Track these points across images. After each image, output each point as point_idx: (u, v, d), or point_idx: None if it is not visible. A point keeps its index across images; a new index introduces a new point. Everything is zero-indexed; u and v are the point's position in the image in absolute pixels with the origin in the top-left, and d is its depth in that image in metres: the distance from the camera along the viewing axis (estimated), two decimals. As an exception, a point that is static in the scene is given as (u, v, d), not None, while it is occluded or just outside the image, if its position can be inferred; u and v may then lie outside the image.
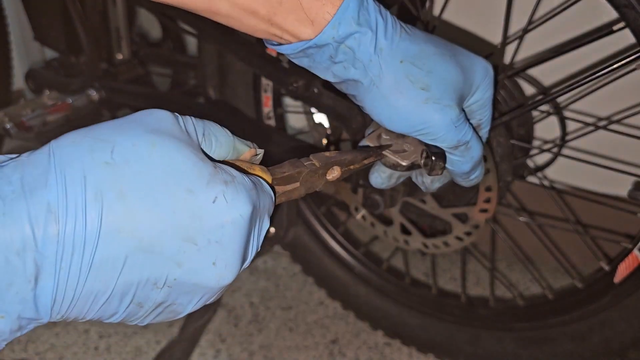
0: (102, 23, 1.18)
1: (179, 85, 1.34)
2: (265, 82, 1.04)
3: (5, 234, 0.34)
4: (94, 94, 1.16)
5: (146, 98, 1.14)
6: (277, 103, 1.07)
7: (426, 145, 0.59)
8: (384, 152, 0.61)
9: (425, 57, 0.56)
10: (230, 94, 1.06)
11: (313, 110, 1.01)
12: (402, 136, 0.61)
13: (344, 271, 1.10)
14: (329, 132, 1.00)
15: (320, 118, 1.02)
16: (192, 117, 0.44)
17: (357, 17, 0.53)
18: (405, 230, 0.95)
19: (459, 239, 0.89)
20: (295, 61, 0.58)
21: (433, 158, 0.58)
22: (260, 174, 0.47)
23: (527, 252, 1.11)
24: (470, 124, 0.60)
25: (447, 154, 0.60)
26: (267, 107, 1.06)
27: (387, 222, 0.96)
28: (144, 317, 0.41)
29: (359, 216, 0.97)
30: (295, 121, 1.27)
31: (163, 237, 0.38)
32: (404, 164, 0.60)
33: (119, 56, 1.22)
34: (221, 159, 0.45)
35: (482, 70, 0.60)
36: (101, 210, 0.36)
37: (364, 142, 0.63)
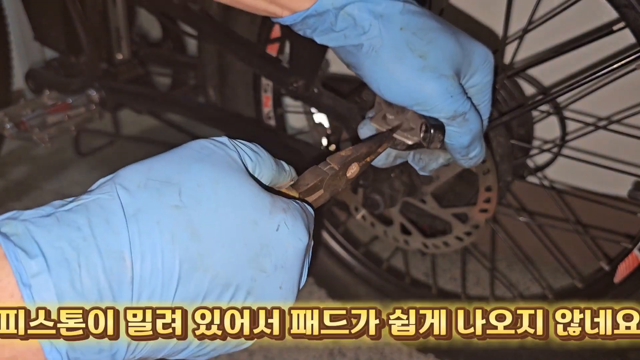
0: (102, 23, 1.18)
1: (179, 85, 1.34)
2: (265, 82, 1.04)
3: (82, 286, 0.34)
4: (94, 94, 1.16)
5: (146, 98, 1.14)
6: (277, 103, 1.07)
7: (425, 118, 0.59)
8: (394, 135, 0.60)
9: (426, 29, 0.56)
10: (230, 94, 1.06)
11: (313, 110, 1.01)
12: (403, 111, 0.61)
13: (344, 271, 1.10)
14: (329, 132, 1.00)
15: (320, 118, 1.02)
16: (242, 142, 0.45)
17: None
18: (405, 230, 0.95)
19: (459, 239, 0.89)
20: (300, 32, 0.59)
21: (432, 130, 0.58)
22: (289, 194, 0.48)
23: (527, 252, 1.11)
24: (469, 97, 0.60)
25: (445, 127, 0.59)
26: (267, 107, 1.06)
27: (387, 222, 0.96)
28: (211, 350, 0.42)
29: (359, 216, 0.97)
30: (295, 121, 1.27)
31: (237, 270, 0.39)
32: (410, 142, 0.60)
33: (119, 56, 1.23)
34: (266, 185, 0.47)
35: (482, 54, 0.60)
36: (177, 251, 0.37)
37: (369, 125, 0.63)
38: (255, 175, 0.45)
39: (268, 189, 0.45)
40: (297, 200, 0.46)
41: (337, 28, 0.56)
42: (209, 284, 0.38)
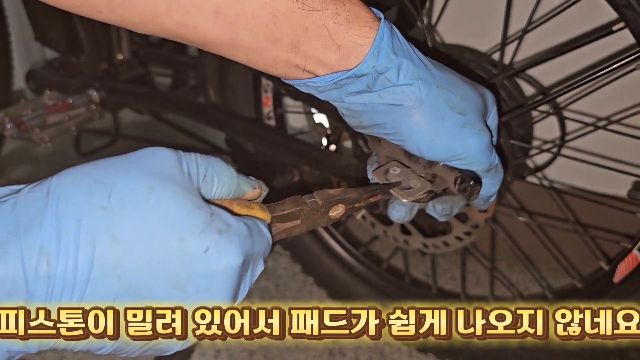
0: (102, 23, 1.18)
1: (179, 85, 1.34)
2: (266, 82, 1.04)
3: None
4: (94, 94, 1.16)
5: (146, 98, 1.14)
6: (277, 103, 1.07)
7: (458, 170, 0.59)
8: (391, 190, 0.59)
9: (456, 83, 0.56)
10: (230, 94, 1.06)
11: (313, 110, 1.01)
12: (431, 165, 0.60)
13: (344, 271, 1.10)
14: (329, 132, 1.00)
15: (320, 118, 1.02)
16: (198, 155, 0.44)
17: (392, 45, 0.52)
18: (405, 230, 0.95)
19: (459, 239, 0.89)
20: (322, 96, 0.56)
21: (471, 182, 0.59)
22: (259, 213, 0.47)
23: (527, 252, 1.11)
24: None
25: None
26: (267, 107, 1.06)
27: (387, 222, 0.96)
28: (130, 352, 0.42)
29: (359, 216, 0.97)
30: (295, 121, 1.27)
31: (152, 283, 0.38)
32: (405, 200, 0.59)
33: (119, 56, 1.23)
34: (221, 199, 0.46)
35: (490, 97, 0.61)
36: (93, 254, 0.36)
37: (371, 177, 0.62)
38: (204, 190, 0.44)
39: (221, 205, 0.44)
40: (252, 222, 0.44)
41: (375, 88, 0.53)
42: (118, 291, 0.37)
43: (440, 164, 0.59)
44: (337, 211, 0.53)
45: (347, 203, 0.54)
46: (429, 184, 0.59)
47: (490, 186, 0.62)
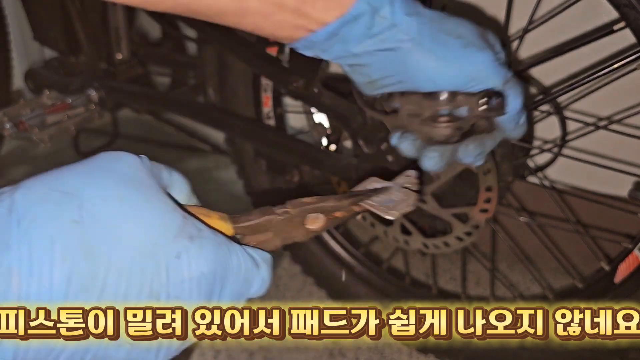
0: (101, 23, 1.18)
1: (179, 85, 1.34)
2: (265, 82, 1.04)
3: None
4: (93, 94, 1.16)
5: (146, 98, 1.14)
6: (277, 103, 1.07)
7: (477, 93, 0.59)
8: (367, 202, 0.54)
9: (447, 17, 0.59)
10: (230, 93, 1.06)
11: (313, 110, 1.01)
12: (454, 97, 0.60)
13: (344, 271, 1.10)
14: (329, 132, 1.00)
15: (320, 118, 1.02)
16: (158, 163, 0.43)
17: None
18: (405, 231, 0.95)
19: (459, 239, 0.89)
20: (326, 55, 0.58)
21: (494, 95, 0.59)
22: (218, 223, 0.44)
23: (528, 252, 1.11)
24: None
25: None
26: (267, 107, 1.06)
27: (387, 222, 0.96)
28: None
29: (359, 216, 0.97)
30: (295, 121, 1.27)
31: (129, 293, 0.37)
32: (388, 217, 0.54)
33: (119, 56, 1.22)
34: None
35: (492, 35, 0.62)
36: (70, 270, 0.35)
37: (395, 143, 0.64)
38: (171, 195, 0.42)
39: (190, 213, 0.42)
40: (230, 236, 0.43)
41: (374, 31, 0.56)
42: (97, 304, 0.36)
43: (460, 94, 0.60)
44: (316, 223, 0.49)
45: (325, 212, 0.49)
46: (413, 195, 0.56)
47: (514, 99, 0.61)
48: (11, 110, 1.14)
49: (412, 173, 0.59)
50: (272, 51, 0.96)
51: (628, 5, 0.66)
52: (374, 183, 0.57)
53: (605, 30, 0.71)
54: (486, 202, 0.82)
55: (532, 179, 0.99)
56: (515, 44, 0.86)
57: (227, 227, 0.44)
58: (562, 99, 0.93)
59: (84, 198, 0.37)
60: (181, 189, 0.45)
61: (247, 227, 0.46)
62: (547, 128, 1.01)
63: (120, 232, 0.37)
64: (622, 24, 0.69)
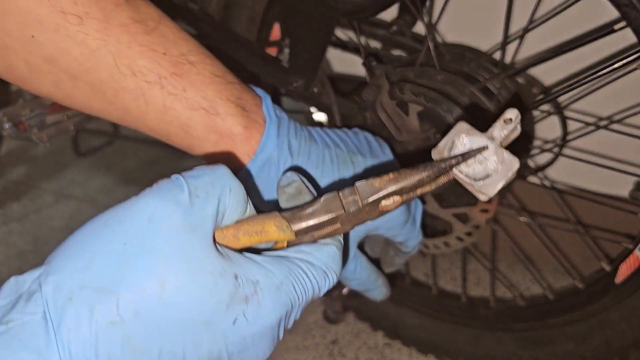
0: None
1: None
2: (265, 82, 1.03)
3: None
4: (93, 94, 1.16)
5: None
6: (277, 102, 1.06)
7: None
8: (457, 175, 0.43)
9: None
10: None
11: (313, 110, 1.01)
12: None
13: (344, 271, 1.10)
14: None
15: (320, 118, 1.01)
16: (205, 177, 0.38)
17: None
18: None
19: (460, 239, 0.89)
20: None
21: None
22: (275, 234, 0.39)
23: (528, 252, 1.11)
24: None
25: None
26: (267, 107, 1.05)
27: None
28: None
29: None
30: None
31: None
32: (482, 197, 0.43)
33: (118, 56, 1.22)
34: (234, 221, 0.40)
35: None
36: None
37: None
38: (219, 217, 0.38)
39: (241, 250, 0.38)
40: (291, 262, 0.38)
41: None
42: None
43: None
44: (392, 204, 0.41)
45: (404, 193, 0.41)
46: (514, 163, 0.43)
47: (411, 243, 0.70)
48: (11, 110, 1.14)
49: (513, 114, 0.43)
50: (272, 51, 0.96)
51: (629, 5, 0.66)
52: (463, 135, 0.43)
53: (606, 30, 0.70)
54: (486, 202, 0.82)
55: (533, 179, 0.99)
56: (515, 44, 0.85)
57: (286, 236, 0.40)
58: (562, 99, 0.93)
59: (121, 294, 0.33)
60: (237, 200, 0.39)
61: (311, 227, 0.40)
62: (548, 128, 1.01)
63: (165, 323, 0.34)
64: (622, 24, 0.68)
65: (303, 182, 0.45)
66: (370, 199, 0.40)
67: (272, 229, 0.39)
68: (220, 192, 0.38)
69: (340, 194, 0.40)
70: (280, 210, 0.41)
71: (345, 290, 0.85)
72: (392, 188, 0.41)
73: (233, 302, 0.36)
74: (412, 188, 0.41)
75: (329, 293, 0.87)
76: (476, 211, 0.84)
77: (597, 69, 0.69)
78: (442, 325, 1.01)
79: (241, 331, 0.36)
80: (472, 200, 0.86)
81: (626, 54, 0.67)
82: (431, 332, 1.02)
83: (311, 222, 0.40)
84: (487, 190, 0.41)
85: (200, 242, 0.36)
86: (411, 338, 1.05)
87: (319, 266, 0.40)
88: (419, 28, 0.93)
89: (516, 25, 0.90)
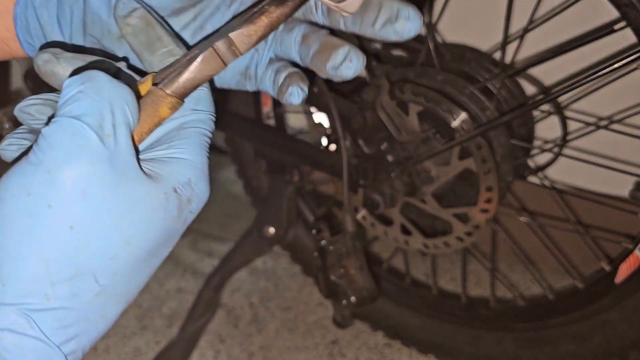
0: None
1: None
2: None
3: None
4: (93, 94, 1.16)
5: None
6: (277, 102, 1.06)
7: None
8: None
9: None
10: (230, 93, 1.05)
11: (313, 110, 1.01)
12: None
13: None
14: (328, 132, 1.00)
15: (320, 118, 1.01)
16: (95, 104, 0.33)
17: None
18: (405, 231, 0.95)
19: (460, 239, 0.88)
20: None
21: None
22: (168, 114, 0.37)
23: (528, 252, 1.11)
24: None
25: None
26: (267, 107, 1.06)
27: (387, 222, 0.95)
28: None
29: (359, 216, 0.96)
30: (295, 121, 1.27)
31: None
32: (345, 13, 0.40)
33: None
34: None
35: None
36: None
37: None
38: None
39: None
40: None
41: None
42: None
43: None
44: (247, 42, 0.38)
45: (254, 20, 0.38)
46: None
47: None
48: (11, 110, 1.14)
49: None
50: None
51: (629, 5, 0.66)
52: None
53: (606, 30, 0.70)
54: (487, 202, 0.82)
55: (533, 179, 0.99)
56: (516, 43, 0.85)
57: (177, 109, 0.38)
58: (562, 99, 0.93)
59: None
60: (134, 107, 0.35)
61: (192, 89, 0.38)
62: (548, 128, 1.01)
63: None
64: (622, 24, 0.68)
65: (144, 7, 0.40)
66: (247, 48, 0.38)
67: (167, 112, 0.37)
68: (122, 118, 0.34)
69: (216, 49, 0.37)
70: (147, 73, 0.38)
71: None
72: (267, 30, 0.38)
73: (181, 211, 0.36)
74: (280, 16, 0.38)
75: (339, 301, 0.87)
76: (476, 211, 0.84)
77: (597, 69, 0.69)
78: (442, 325, 1.00)
79: (189, 220, 0.38)
80: (472, 200, 0.86)
81: (626, 54, 0.67)
82: (431, 332, 1.02)
83: (194, 86, 0.38)
84: (348, 8, 0.39)
85: (135, 184, 0.34)
86: (411, 338, 1.05)
87: (207, 118, 0.39)
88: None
89: (516, 25, 0.90)
